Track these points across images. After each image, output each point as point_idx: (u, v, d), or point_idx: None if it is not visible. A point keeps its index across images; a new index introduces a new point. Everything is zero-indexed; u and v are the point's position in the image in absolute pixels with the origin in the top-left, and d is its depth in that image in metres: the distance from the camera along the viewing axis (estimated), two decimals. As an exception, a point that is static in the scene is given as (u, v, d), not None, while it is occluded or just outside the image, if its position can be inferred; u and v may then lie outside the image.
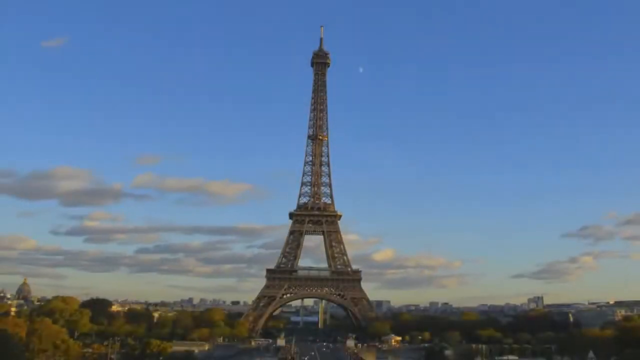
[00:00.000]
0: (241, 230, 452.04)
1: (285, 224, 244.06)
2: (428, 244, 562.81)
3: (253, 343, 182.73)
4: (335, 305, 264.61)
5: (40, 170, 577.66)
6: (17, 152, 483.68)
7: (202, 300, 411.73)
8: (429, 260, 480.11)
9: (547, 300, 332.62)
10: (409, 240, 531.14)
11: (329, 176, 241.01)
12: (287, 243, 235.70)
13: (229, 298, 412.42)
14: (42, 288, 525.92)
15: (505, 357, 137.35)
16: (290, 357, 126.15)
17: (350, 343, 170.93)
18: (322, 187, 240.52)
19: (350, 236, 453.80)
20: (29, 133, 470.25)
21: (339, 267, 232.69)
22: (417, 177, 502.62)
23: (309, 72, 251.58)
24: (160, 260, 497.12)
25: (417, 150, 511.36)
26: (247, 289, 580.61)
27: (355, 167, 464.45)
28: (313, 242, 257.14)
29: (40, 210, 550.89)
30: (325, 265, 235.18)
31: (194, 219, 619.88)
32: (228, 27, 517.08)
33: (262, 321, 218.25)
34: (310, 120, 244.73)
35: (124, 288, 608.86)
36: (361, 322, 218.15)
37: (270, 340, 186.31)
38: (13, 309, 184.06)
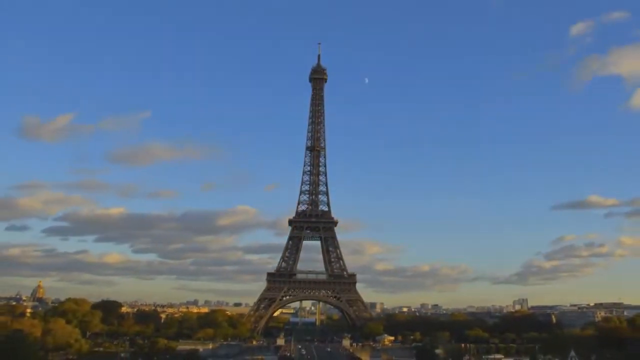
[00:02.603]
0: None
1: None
2: (425, 253, 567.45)
3: (255, 342, 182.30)
4: (331, 306, 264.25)
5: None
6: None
7: (206, 302, 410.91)
8: (423, 266, 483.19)
9: (532, 303, 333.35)
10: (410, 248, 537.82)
11: (326, 185, 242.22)
12: (286, 248, 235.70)
13: (231, 300, 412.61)
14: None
15: (491, 356, 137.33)
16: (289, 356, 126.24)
17: (346, 342, 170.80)
18: (320, 196, 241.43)
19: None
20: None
21: (335, 271, 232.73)
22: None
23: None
24: (204, 270, 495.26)
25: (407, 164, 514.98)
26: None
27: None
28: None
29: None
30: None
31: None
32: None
33: (263, 322, 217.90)
34: (308, 132, 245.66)
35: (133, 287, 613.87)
36: (356, 322, 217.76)
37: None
38: (29, 310, 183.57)
